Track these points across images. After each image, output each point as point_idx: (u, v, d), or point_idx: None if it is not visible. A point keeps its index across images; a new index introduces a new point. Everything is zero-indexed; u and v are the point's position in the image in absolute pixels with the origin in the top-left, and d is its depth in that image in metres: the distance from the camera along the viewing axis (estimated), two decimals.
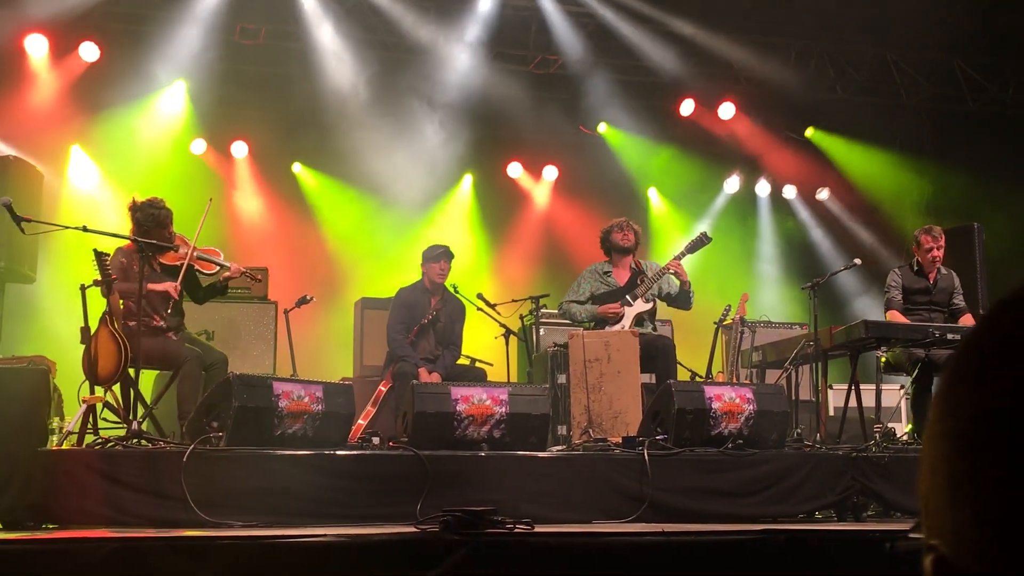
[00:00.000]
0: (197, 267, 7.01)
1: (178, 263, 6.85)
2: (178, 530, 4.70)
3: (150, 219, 6.76)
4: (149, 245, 6.56)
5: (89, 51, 10.22)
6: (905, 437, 7.23)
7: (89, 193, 10.59)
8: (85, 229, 6.16)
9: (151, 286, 6.65)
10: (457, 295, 8.40)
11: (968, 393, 0.67)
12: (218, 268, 7.05)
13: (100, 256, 6.08)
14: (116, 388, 6.24)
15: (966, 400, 0.67)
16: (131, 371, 6.07)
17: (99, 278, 6.07)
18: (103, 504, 5.04)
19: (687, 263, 7.90)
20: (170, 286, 6.72)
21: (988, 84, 12.15)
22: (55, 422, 5.79)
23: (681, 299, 7.93)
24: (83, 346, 6.18)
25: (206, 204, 7.25)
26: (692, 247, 7.91)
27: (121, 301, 6.54)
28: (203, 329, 8.25)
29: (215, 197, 10.36)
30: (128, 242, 6.54)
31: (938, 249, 7.80)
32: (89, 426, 5.76)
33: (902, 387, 8.70)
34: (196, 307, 7.43)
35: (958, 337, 7.08)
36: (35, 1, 9.72)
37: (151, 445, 5.61)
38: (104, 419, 6.09)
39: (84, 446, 5.54)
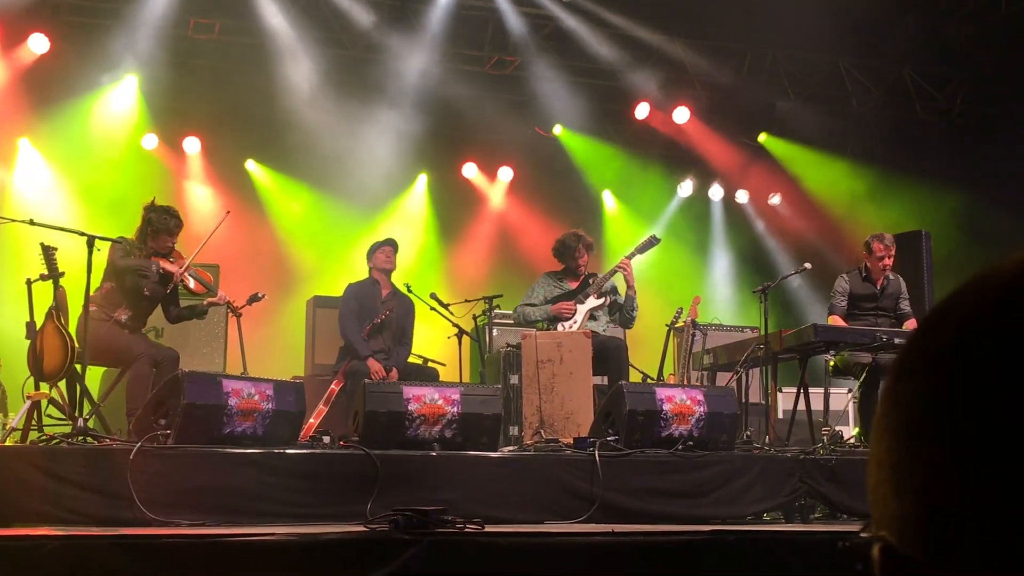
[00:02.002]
0: (184, 283, 7.00)
1: (171, 271, 6.87)
2: (124, 528, 4.64)
3: (160, 223, 6.88)
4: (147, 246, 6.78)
5: (39, 43, 10.04)
6: (853, 440, 7.31)
7: (37, 188, 10.42)
8: (32, 223, 6.07)
9: (163, 263, 6.80)
10: (410, 294, 8.39)
11: (909, 388, 0.69)
12: (206, 291, 7.09)
13: (48, 250, 5.99)
14: (62, 384, 6.15)
15: (907, 394, 0.69)
16: (78, 367, 5.99)
17: (46, 272, 5.98)
18: (47, 502, 4.95)
19: (639, 265, 8.00)
20: (175, 270, 6.79)
21: (937, 93, 12.33)
22: None
23: (626, 307, 7.99)
24: (28, 341, 6.09)
25: (159, 200, 7.22)
26: (642, 248, 8.04)
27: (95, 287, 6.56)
28: (152, 326, 8.14)
29: (165, 192, 10.32)
30: (129, 236, 6.70)
31: (889, 257, 7.90)
32: (34, 423, 5.67)
33: (850, 391, 8.80)
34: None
35: (904, 341, 7.17)
36: None
37: (97, 442, 5.54)
38: (49, 416, 6.00)
39: (28, 443, 5.45)
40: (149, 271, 6.72)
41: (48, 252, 5.98)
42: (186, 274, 6.97)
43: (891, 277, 8.04)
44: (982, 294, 0.69)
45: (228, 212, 7.55)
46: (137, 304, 6.84)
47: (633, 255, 7.98)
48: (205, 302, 7.15)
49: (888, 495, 0.69)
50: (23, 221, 6.13)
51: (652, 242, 8.10)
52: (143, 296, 6.86)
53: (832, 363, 7.42)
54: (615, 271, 7.95)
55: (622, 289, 8.07)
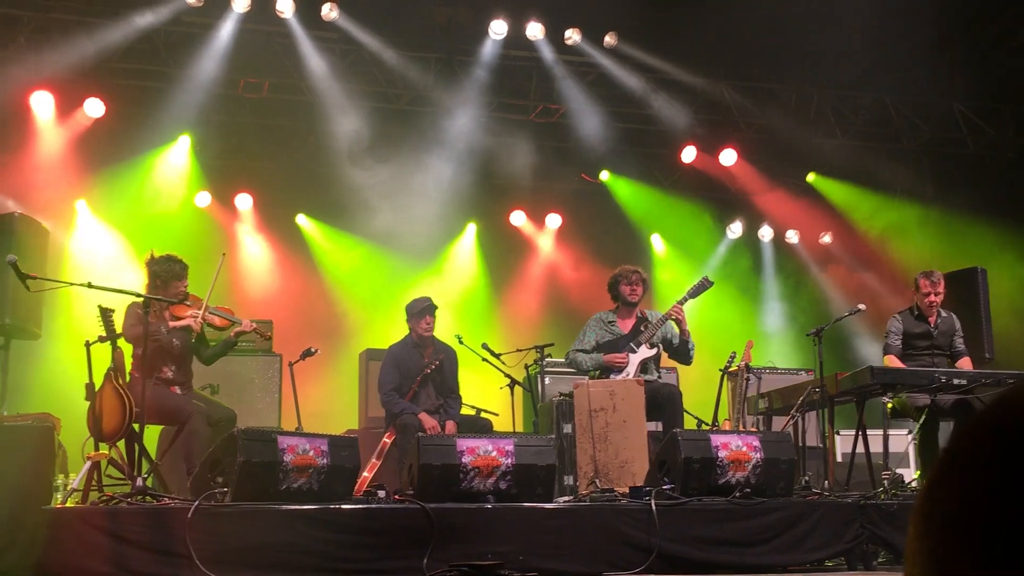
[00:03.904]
0: (209, 323, 7.06)
1: (191, 316, 6.92)
2: None
3: (167, 272, 6.89)
4: (161, 297, 6.69)
5: (94, 107, 10.30)
6: (914, 484, 7.18)
7: (94, 249, 10.62)
8: (90, 285, 6.17)
9: (173, 324, 6.76)
10: (462, 345, 8.39)
11: (955, 488, 0.70)
12: (231, 323, 7.11)
13: (105, 312, 6.09)
14: (121, 444, 6.23)
15: (954, 493, 0.70)
16: (135, 426, 6.06)
17: (104, 334, 6.07)
18: (108, 562, 5.02)
19: (691, 309, 7.93)
20: (191, 320, 6.79)
21: (987, 127, 12.20)
22: (60, 479, 5.76)
23: (680, 350, 7.92)
24: (88, 402, 6.18)
25: (211, 256, 7.32)
26: (694, 291, 7.95)
27: (130, 354, 6.59)
28: (207, 383, 8.24)
29: (220, 249, 10.48)
30: (138, 298, 6.57)
31: (936, 295, 7.79)
32: (94, 483, 5.74)
33: (909, 432, 8.66)
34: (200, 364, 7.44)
35: (964, 382, 7.06)
36: (41, 58, 9.82)
37: (156, 501, 5.59)
38: (108, 476, 6.08)
39: (88, 503, 5.52)
40: (159, 333, 6.73)
41: (106, 314, 6.08)
42: (207, 314, 7.01)
43: (944, 315, 7.93)
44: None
45: (224, 255, 7.54)
46: (173, 358, 6.88)
47: (685, 300, 7.89)
48: (233, 333, 7.17)
49: None
50: (81, 284, 6.23)
51: (705, 285, 7.99)
52: (174, 349, 6.91)
53: (890, 405, 7.31)
54: (668, 317, 7.86)
55: (676, 332, 8.00)
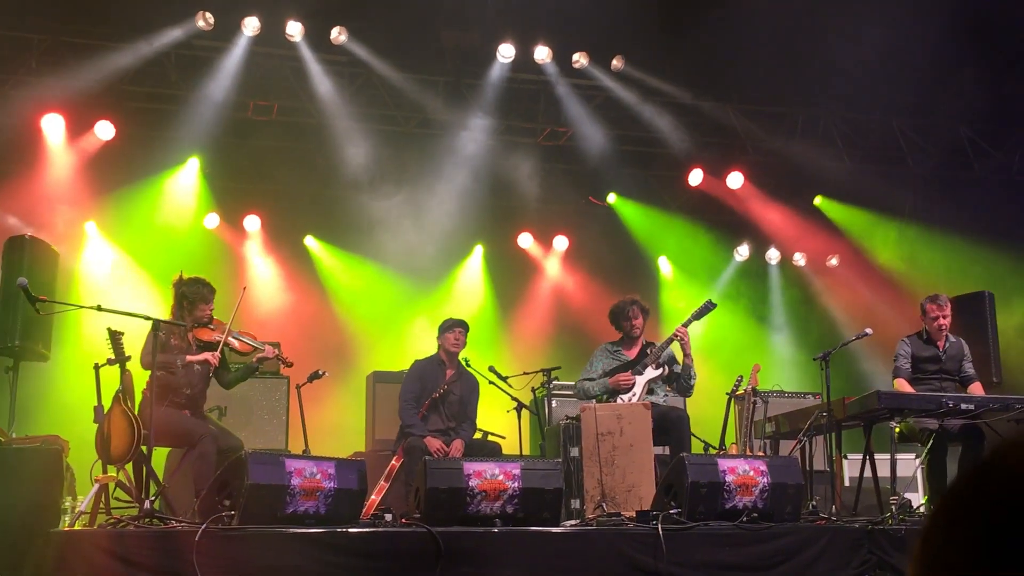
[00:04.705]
0: (231, 347, 7.09)
1: (214, 340, 6.96)
2: None
3: (195, 294, 6.96)
4: (183, 321, 6.80)
5: (104, 129, 10.38)
6: (922, 509, 7.16)
7: (104, 271, 10.67)
8: (100, 308, 6.19)
9: (190, 358, 6.78)
10: (468, 368, 8.41)
11: (959, 531, 0.72)
12: (253, 349, 7.14)
13: (114, 335, 6.11)
14: (129, 467, 6.24)
15: (962, 537, 0.72)
16: (144, 448, 6.07)
17: (113, 357, 6.09)
18: None
19: (697, 333, 7.96)
20: (208, 354, 6.83)
21: (994, 151, 12.21)
22: (68, 502, 5.77)
23: (683, 377, 7.94)
24: (96, 425, 6.20)
25: (219, 278, 7.38)
26: (699, 314, 8.00)
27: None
28: (216, 405, 8.25)
29: (229, 271, 10.56)
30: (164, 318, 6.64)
31: (943, 318, 7.79)
32: (101, 506, 5.75)
33: (917, 456, 8.63)
34: (214, 385, 7.46)
35: (972, 407, 7.04)
36: (52, 81, 9.89)
37: (163, 524, 5.60)
38: (116, 498, 6.08)
39: (96, 526, 5.53)
40: (174, 367, 6.77)
41: (115, 337, 6.10)
42: (229, 338, 7.05)
43: (952, 339, 7.92)
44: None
45: (244, 288, 7.60)
46: (191, 383, 6.89)
47: (689, 322, 7.93)
48: (255, 359, 7.20)
49: None
50: (91, 307, 6.26)
51: (708, 307, 8.03)
52: (195, 372, 6.94)
53: (898, 430, 7.29)
54: (672, 339, 7.91)
55: (679, 358, 8.03)
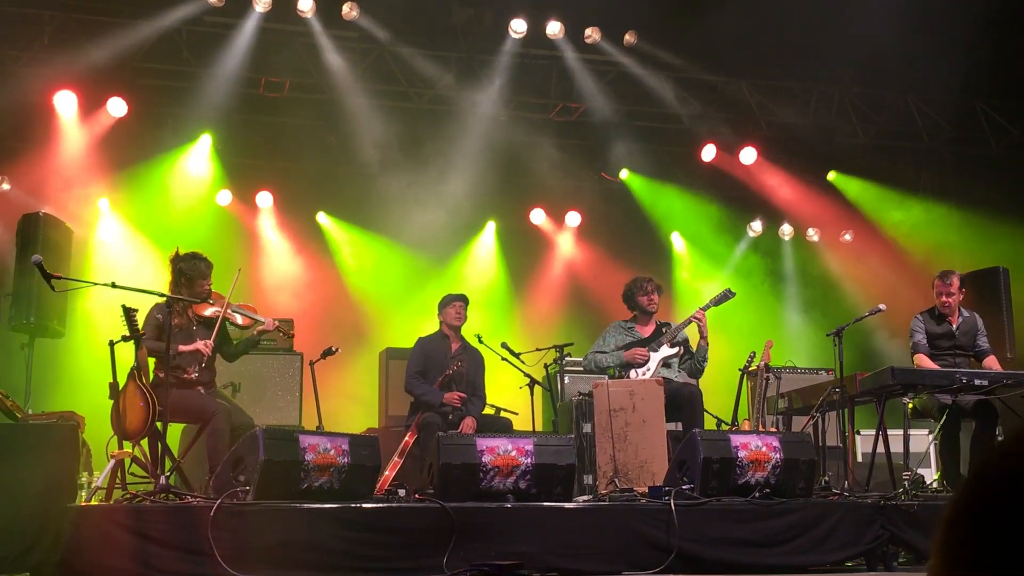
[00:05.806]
0: (232, 321, 7.09)
1: (214, 316, 6.95)
2: None
3: (192, 270, 6.90)
4: (183, 297, 6.70)
5: (117, 106, 10.38)
6: (935, 484, 7.15)
7: (117, 248, 10.70)
8: (114, 285, 6.21)
9: (182, 348, 6.74)
10: (481, 345, 8.43)
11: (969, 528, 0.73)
12: (254, 322, 7.14)
13: (129, 312, 6.12)
14: (144, 443, 6.28)
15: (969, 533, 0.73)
16: (159, 425, 6.11)
17: (128, 333, 6.11)
18: (132, 559, 5.06)
19: (709, 312, 8.03)
20: (200, 344, 6.79)
21: (1011, 126, 12.13)
22: (84, 477, 5.82)
23: (696, 359, 7.97)
24: (111, 401, 6.23)
25: (232, 254, 7.37)
26: (717, 301, 8.12)
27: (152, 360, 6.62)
28: (229, 382, 8.28)
29: (241, 246, 10.58)
30: (161, 299, 6.55)
31: (948, 296, 7.74)
32: (117, 482, 5.79)
33: (930, 432, 8.63)
34: (222, 360, 7.48)
35: (985, 383, 7.02)
36: (65, 58, 9.90)
37: (179, 500, 5.63)
38: (132, 474, 6.13)
39: (112, 501, 5.57)
40: (165, 355, 6.69)
41: (129, 314, 6.11)
42: (229, 312, 7.04)
43: (966, 314, 7.89)
44: None
45: (240, 270, 7.51)
46: (197, 359, 6.89)
47: (708, 307, 8.06)
48: (256, 332, 7.20)
49: None
50: (105, 284, 6.27)
51: (727, 295, 8.18)
52: (193, 353, 6.92)
53: (911, 405, 7.28)
54: (689, 321, 7.95)
55: (694, 339, 8.06)
